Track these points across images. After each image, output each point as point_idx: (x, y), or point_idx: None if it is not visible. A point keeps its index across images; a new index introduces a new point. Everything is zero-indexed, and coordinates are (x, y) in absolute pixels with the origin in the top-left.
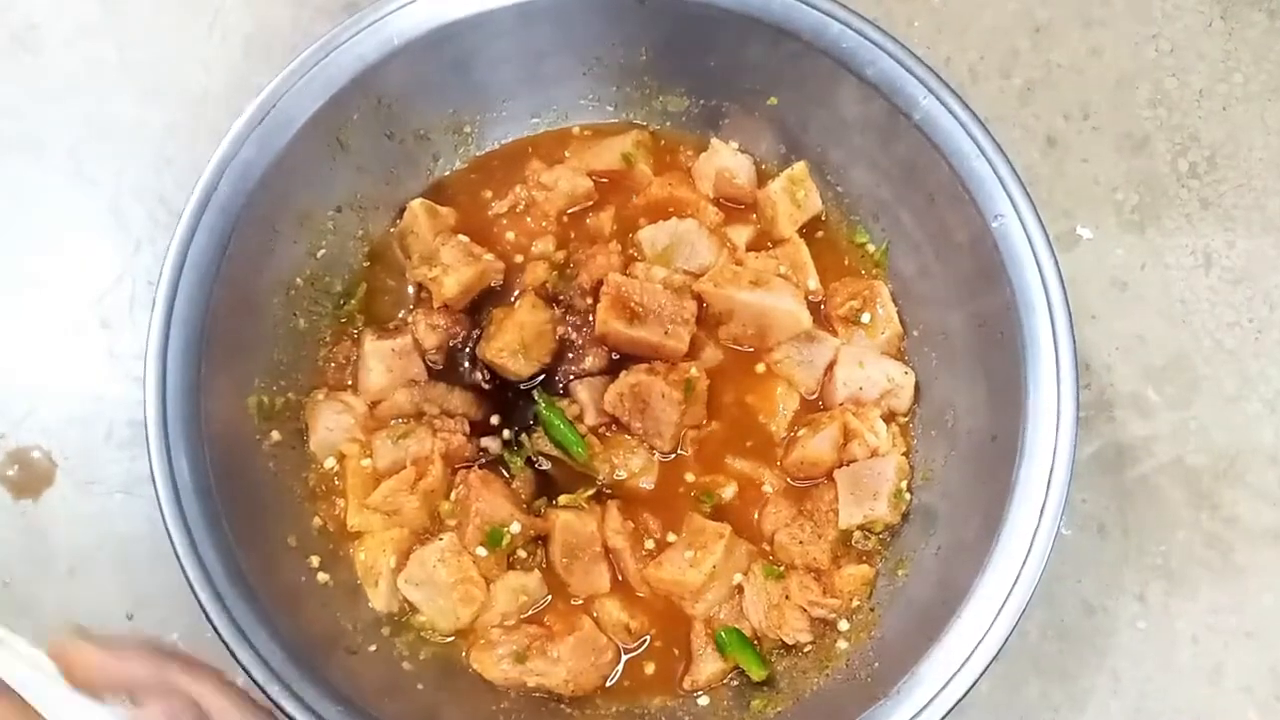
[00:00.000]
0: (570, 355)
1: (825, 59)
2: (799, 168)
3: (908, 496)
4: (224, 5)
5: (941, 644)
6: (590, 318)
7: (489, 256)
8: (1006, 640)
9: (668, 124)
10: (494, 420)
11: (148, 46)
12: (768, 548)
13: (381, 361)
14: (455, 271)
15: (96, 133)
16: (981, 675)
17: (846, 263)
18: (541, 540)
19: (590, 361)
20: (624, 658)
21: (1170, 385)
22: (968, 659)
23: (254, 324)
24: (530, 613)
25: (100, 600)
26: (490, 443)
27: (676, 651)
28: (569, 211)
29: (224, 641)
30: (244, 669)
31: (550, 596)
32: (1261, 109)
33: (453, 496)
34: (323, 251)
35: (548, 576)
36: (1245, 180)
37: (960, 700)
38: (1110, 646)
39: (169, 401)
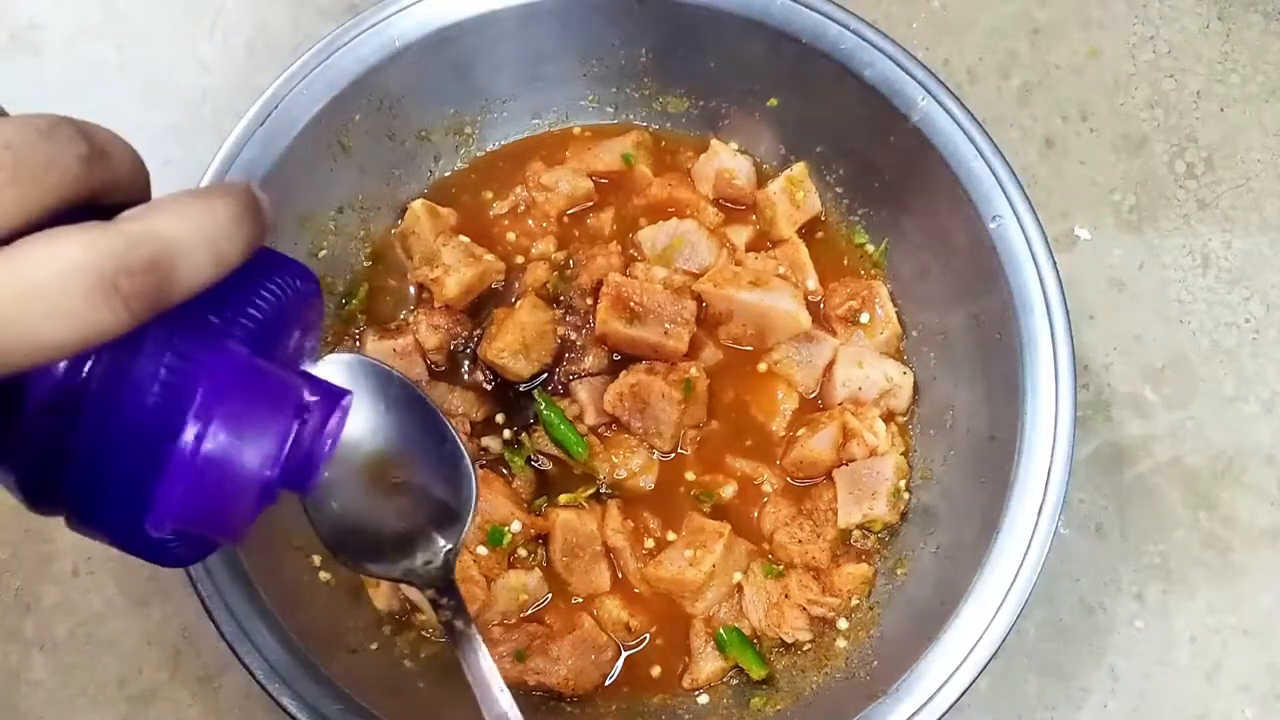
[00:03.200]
0: (570, 355)
1: (824, 60)
2: (798, 169)
3: (906, 496)
4: (225, 6)
5: (940, 643)
6: (590, 318)
7: (490, 257)
8: (1005, 639)
9: (668, 125)
10: (499, 419)
11: (148, 46)
12: (767, 547)
13: (383, 361)
14: (456, 272)
15: None
16: (980, 674)
17: (845, 263)
18: (542, 539)
19: (590, 361)
20: (624, 656)
21: (1168, 385)
22: (966, 657)
23: None
24: (530, 611)
25: (104, 599)
26: (491, 442)
27: (676, 650)
28: (569, 212)
29: (226, 639)
30: (246, 666)
31: (551, 595)
32: (1259, 110)
33: None
34: (324, 252)
35: (548, 575)
36: (1243, 181)
37: (959, 699)
38: (1108, 645)
39: None
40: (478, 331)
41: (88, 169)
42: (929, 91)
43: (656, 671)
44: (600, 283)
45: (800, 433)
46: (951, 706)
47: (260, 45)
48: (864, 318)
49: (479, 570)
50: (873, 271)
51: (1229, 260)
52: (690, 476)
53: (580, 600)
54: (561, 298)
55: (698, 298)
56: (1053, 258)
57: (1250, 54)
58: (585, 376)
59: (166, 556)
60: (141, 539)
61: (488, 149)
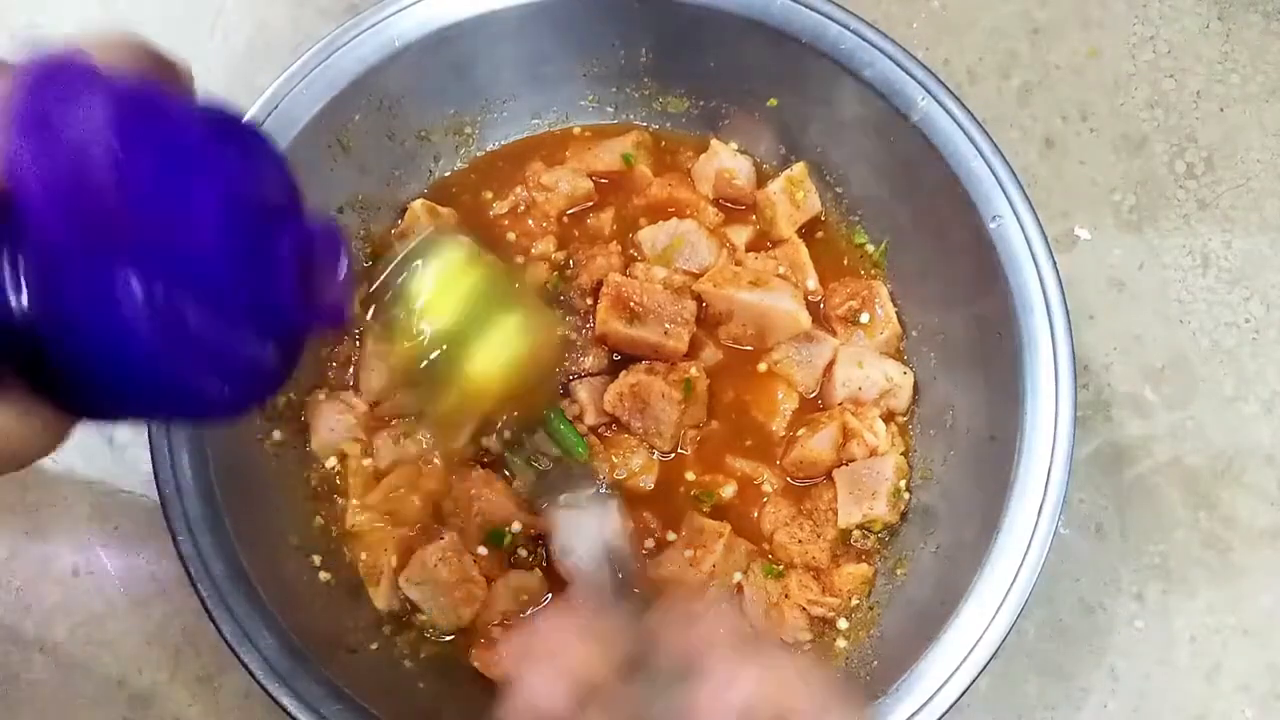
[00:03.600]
0: (570, 355)
1: (824, 60)
2: (798, 169)
3: (906, 496)
4: (225, 6)
5: (940, 643)
6: (590, 318)
7: (490, 257)
8: (1004, 639)
9: (668, 125)
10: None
11: None
12: (767, 547)
13: (383, 362)
14: None
15: None
16: (980, 674)
17: (845, 263)
18: (542, 539)
19: (590, 361)
20: None
21: (1168, 385)
22: (966, 657)
23: None
24: (531, 611)
25: (104, 599)
26: (491, 442)
27: None
28: (569, 212)
29: (225, 639)
30: (246, 666)
31: (551, 595)
32: (1259, 110)
33: (454, 495)
34: None
35: (548, 575)
36: (1243, 181)
37: (959, 699)
38: (1108, 645)
39: None
40: None
41: None
42: (929, 91)
43: None
44: (600, 283)
45: (800, 433)
46: (951, 706)
47: (260, 45)
48: (864, 318)
49: (479, 570)
50: (873, 271)
51: (1229, 260)
52: (690, 476)
53: None
54: (561, 298)
55: (698, 298)
56: (1053, 258)
57: (1250, 54)
58: (585, 376)
59: (205, 397)
60: (166, 378)
61: (488, 149)
